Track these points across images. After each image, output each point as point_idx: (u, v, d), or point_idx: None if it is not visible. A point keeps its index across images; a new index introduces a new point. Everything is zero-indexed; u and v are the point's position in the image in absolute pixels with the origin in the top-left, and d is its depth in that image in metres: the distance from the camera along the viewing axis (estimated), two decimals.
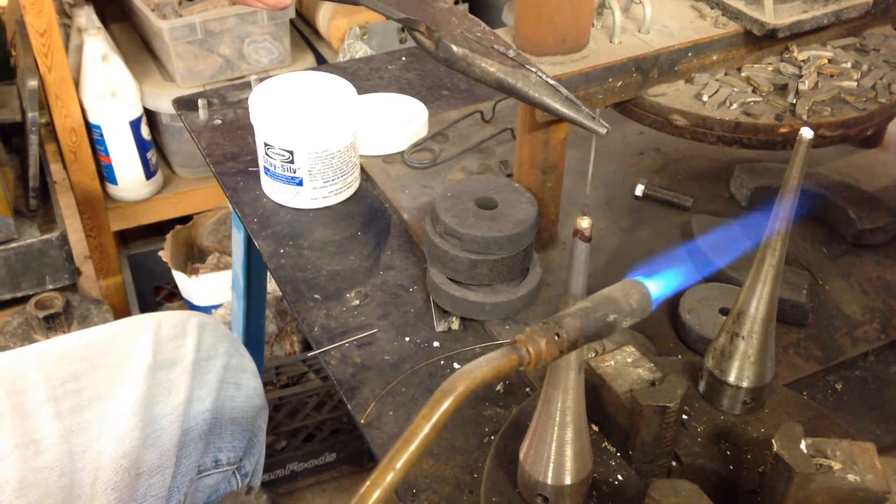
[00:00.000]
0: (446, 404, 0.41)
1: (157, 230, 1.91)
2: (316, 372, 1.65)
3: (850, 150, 1.02)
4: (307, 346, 1.77)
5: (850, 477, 0.50)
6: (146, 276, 1.94)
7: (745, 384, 0.57)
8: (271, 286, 1.75)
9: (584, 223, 0.43)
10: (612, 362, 0.57)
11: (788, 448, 0.50)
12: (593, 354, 0.58)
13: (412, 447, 0.41)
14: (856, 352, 0.77)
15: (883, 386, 0.76)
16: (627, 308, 0.47)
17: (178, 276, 1.80)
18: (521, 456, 0.52)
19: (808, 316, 0.79)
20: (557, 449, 0.51)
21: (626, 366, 0.57)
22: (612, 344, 0.59)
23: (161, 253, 1.82)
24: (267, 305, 1.60)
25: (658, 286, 0.50)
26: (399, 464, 0.41)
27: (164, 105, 1.74)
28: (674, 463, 0.57)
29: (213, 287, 1.80)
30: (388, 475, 0.41)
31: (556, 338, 0.44)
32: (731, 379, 0.57)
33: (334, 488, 1.69)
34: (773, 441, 0.50)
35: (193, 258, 1.92)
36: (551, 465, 0.51)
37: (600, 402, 0.56)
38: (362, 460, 1.68)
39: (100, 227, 1.81)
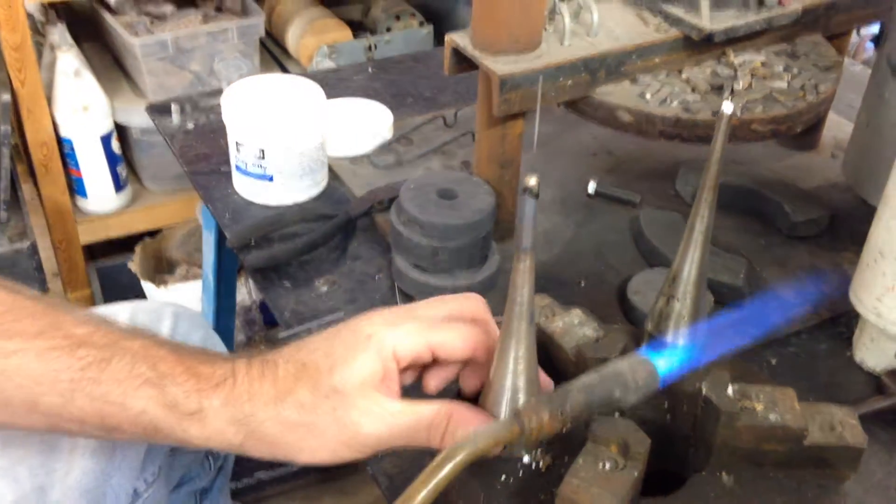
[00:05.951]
0: (447, 469, 0.41)
1: (125, 246, 1.94)
2: None
3: (787, 152, 1.09)
4: None
5: (772, 416, 0.55)
6: (115, 289, 1.96)
7: (680, 344, 0.63)
8: (240, 296, 1.78)
9: (532, 181, 0.48)
10: (561, 323, 0.62)
11: (716, 391, 0.55)
12: (545, 318, 0.64)
13: None
14: (789, 330, 0.83)
15: (813, 360, 0.82)
16: (633, 385, 0.48)
17: (148, 287, 1.82)
18: (480, 402, 0.57)
19: (745, 299, 0.85)
20: (511, 396, 0.55)
21: (574, 326, 0.62)
22: (562, 308, 0.64)
23: (130, 264, 1.84)
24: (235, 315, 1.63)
25: (666, 363, 0.51)
26: None
27: (135, 120, 1.78)
28: (616, 414, 0.62)
29: (182, 298, 1.83)
30: None
31: (559, 414, 0.45)
32: (668, 339, 0.63)
33: (302, 497, 1.71)
34: (702, 385, 0.56)
35: (162, 270, 1.95)
36: (503, 409, 0.56)
37: (550, 358, 0.62)
38: (330, 468, 1.71)
39: (69, 240, 1.84)
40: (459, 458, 0.41)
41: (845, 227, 0.97)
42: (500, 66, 0.77)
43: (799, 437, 0.55)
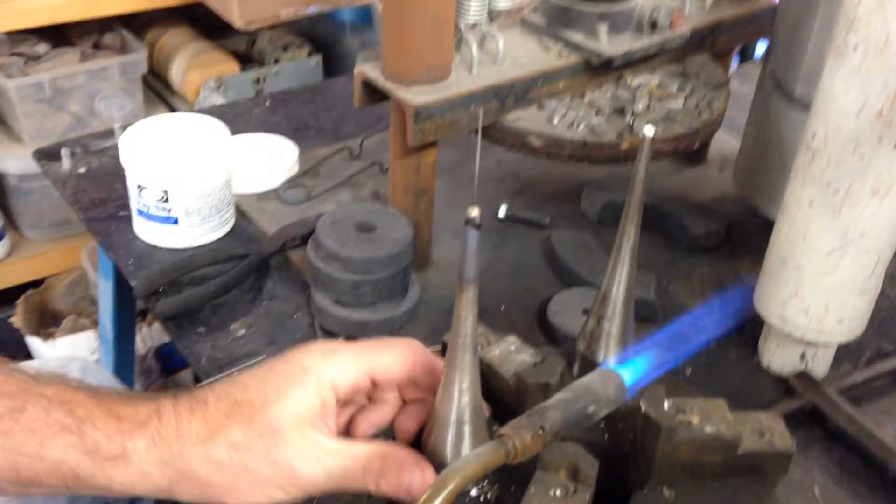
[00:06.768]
0: (438, 501, 0.41)
1: (6, 300, 1.83)
2: None
3: (678, 168, 1.14)
4: None
5: (707, 428, 0.57)
6: None
7: (612, 361, 0.64)
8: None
9: (474, 212, 0.48)
10: (498, 351, 0.62)
11: (654, 408, 0.57)
12: (481, 347, 0.64)
13: None
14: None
15: (724, 368, 0.85)
16: (605, 398, 0.50)
17: (32, 342, 1.72)
18: (424, 436, 0.56)
19: (657, 312, 0.88)
20: (457, 428, 0.55)
21: (510, 353, 0.62)
22: (496, 335, 0.65)
23: (12, 319, 1.74)
24: None
25: (630, 374, 0.54)
26: None
27: (11, 166, 1.68)
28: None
29: (70, 350, 1.74)
30: None
31: (540, 431, 0.46)
32: (600, 359, 0.64)
33: None
34: (640, 403, 0.57)
35: (48, 323, 1.84)
36: (449, 442, 0.55)
37: (490, 387, 0.62)
38: None
39: None
40: (450, 488, 0.40)
41: (741, 237, 1.02)
42: (414, 96, 0.77)
43: (733, 447, 0.57)
